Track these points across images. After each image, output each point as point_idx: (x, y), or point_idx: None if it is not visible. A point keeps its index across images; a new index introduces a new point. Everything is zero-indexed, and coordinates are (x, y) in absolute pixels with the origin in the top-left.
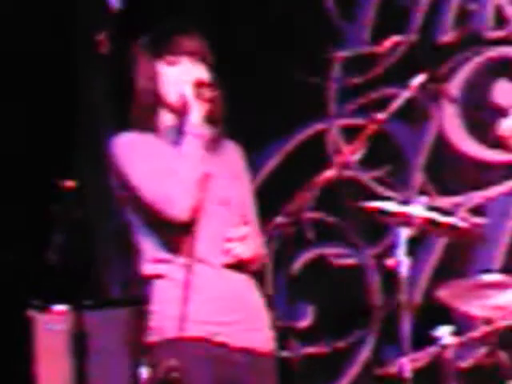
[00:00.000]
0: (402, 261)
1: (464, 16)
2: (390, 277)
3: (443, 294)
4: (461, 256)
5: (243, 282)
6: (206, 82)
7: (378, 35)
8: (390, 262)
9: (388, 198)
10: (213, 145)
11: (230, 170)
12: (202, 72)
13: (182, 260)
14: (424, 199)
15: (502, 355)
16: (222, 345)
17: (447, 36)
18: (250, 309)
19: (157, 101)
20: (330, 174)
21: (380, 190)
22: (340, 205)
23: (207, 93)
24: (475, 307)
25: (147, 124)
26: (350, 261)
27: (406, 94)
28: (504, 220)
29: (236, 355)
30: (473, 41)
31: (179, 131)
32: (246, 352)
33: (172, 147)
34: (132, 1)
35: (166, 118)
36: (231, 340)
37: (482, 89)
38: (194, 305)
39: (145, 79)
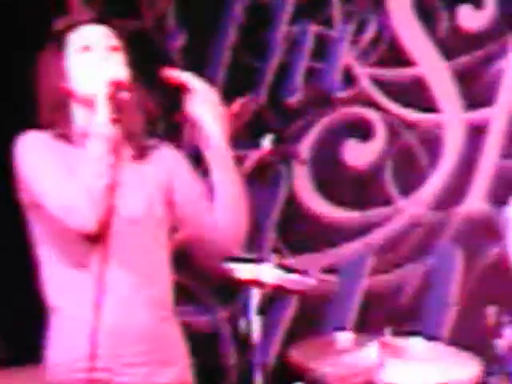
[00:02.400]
0: (253, 321)
1: (312, 76)
2: (244, 337)
3: (296, 353)
4: (315, 313)
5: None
6: (124, 83)
7: (228, 96)
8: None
9: (240, 259)
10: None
11: (152, 180)
12: (115, 64)
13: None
14: (275, 258)
15: None
16: None
17: (296, 96)
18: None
19: (67, 97)
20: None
21: None
22: (193, 266)
23: (122, 95)
24: (328, 366)
25: (58, 125)
26: (203, 321)
27: (256, 155)
28: (357, 278)
29: None
30: (322, 101)
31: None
32: None
33: (81, 150)
34: None
35: (80, 116)
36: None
37: (332, 148)
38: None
39: (51, 75)
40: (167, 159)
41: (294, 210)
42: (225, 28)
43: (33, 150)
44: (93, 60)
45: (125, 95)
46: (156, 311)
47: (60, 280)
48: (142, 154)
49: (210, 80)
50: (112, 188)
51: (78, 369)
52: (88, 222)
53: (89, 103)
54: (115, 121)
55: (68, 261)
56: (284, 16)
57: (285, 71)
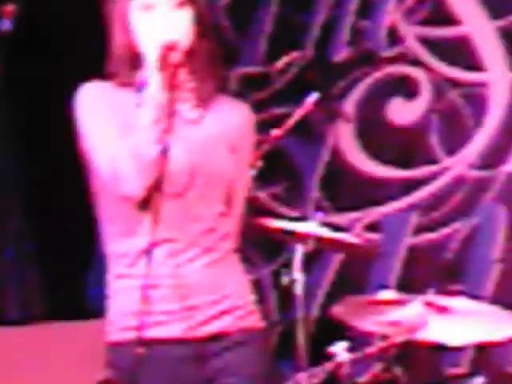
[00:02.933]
0: (297, 278)
1: (358, 34)
2: (287, 293)
3: (339, 310)
4: (357, 272)
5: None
6: (176, 45)
7: (274, 52)
8: (284, 280)
9: (283, 216)
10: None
11: (211, 141)
12: (180, 20)
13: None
14: (320, 215)
15: (398, 371)
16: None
17: (342, 54)
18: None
19: (134, 54)
20: None
21: (276, 206)
22: None
23: (175, 57)
24: (371, 323)
25: (124, 75)
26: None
27: (301, 112)
28: (400, 236)
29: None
30: (367, 59)
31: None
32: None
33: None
34: None
35: (147, 74)
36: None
37: (377, 106)
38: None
39: (120, 28)
40: (235, 120)
41: (338, 168)
42: None
43: (90, 104)
44: (154, 21)
45: (177, 57)
46: (210, 265)
47: (114, 238)
48: (206, 108)
49: (256, 36)
50: (163, 155)
51: (129, 327)
52: (135, 188)
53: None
54: (168, 85)
55: (118, 224)
56: None
57: (331, 29)
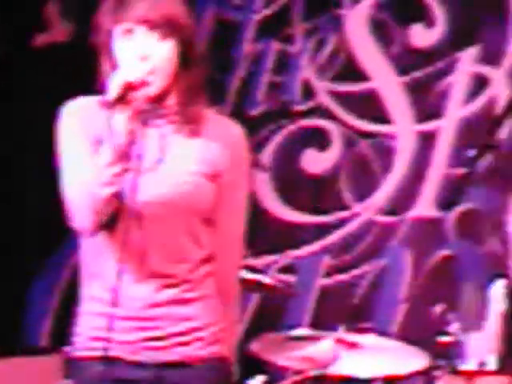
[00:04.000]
0: None
1: (274, 89)
2: None
3: (256, 346)
4: (274, 311)
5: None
6: (136, 84)
7: None
8: None
9: None
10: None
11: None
12: (158, 47)
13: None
14: None
15: None
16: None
17: (259, 108)
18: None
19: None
20: None
21: None
22: None
23: (136, 95)
24: (286, 359)
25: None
26: None
27: None
28: (312, 277)
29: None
30: (283, 112)
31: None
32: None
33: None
34: None
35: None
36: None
37: (292, 156)
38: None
39: (104, 54)
40: (225, 138)
41: (255, 214)
42: None
43: (67, 125)
44: (135, 41)
45: (138, 95)
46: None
47: (89, 260)
48: (192, 126)
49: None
50: (117, 196)
51: (95, 345)
52: (84, 223)
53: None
54: (127, 128)
55: (91, 246)
56: (248, 33)
57: (248, 85)
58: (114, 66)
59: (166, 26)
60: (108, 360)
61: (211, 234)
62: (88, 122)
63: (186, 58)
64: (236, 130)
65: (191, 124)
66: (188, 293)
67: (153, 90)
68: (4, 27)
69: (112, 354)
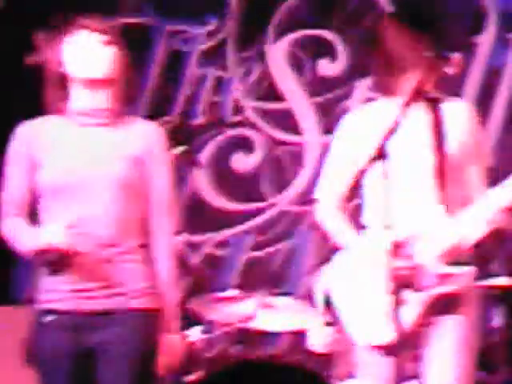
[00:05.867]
0: None
1: (211, 105)
2: None
3: (195, 304)
4: (209, 277)
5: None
6: (54, 250)
7: (151, 115)
8: None
9: None
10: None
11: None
12: (97, 46)
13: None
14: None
15: (236, 348)
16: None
17: (199, 119)
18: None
19: (66, 78)
20: None
21: None
22: None
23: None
24: (217, 314)
25: (60, 105)
26: None
27: None
28: (240, 252)
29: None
30: (218, 124)
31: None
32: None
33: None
34: None
35: (80, 96)
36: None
37: (224, 158)
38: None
39: (53, 56)
40: (145, 135)
41: (196, 202)
42: (150, 67)
43: (10, 154)
44: (82, 48)
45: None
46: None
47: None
48: (116, 121)
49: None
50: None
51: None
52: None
53: (84, 84)
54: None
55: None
56: (193, 61)
57: (193, 101)
58: (63, 73)
59: (111, 33)
60: (47, 312)
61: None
62: (28, 144)
63: (121, 65)
64: (152, 128)
65: (116, 120)
66: (120, 256)
67: (98, 74)
68: None
69: (49, 306)
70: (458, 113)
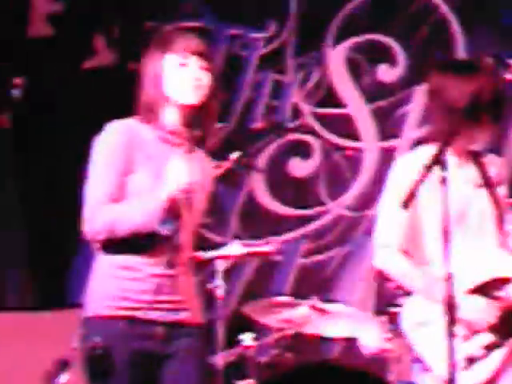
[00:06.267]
0: (219, 285)
1: (270, 110)
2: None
3: (248, 309)
4: (263, 282)
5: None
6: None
7: None
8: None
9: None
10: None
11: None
12: (201, 73)
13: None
14: (238, 241)
15: (289, 355)
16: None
17: (258, 124)
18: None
19: (162, 97)
20: None
21: (205, 232)
22: None
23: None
24: (270, 320)
25: (151, 119)
26: None
27: (226, 165)
28: (294, 257)
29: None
30: (276, 128)
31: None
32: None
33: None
34: None
35: (169, 116)
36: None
37: (281, 163)
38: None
39: (152, 75)
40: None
41: (252, 207)
42: None
43: (102, 148)
44: (187, 76)
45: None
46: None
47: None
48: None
49: None
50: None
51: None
52: (94, 239)
53: (178, 107)
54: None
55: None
56: (252, 66)
57: (251, 105)
58: (160, 92)
59: (210, 58)
60: (125, 319)
61: None
62: (128, 140)
63: (214, 91)
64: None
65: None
66: (181, 274)
67: (196, 100)
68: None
69: (128, 314)
70: (494, 168)
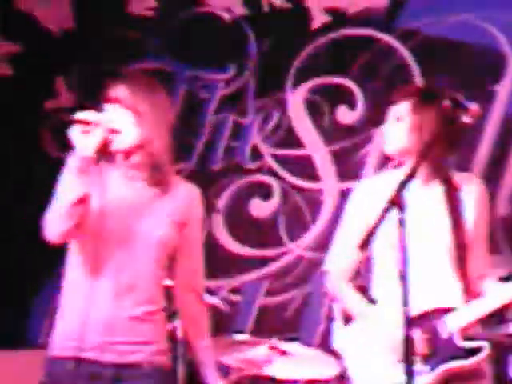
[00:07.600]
0: (178, 326)
1: (230, 151)
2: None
3: None
4: (223, 320)
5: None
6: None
7: None
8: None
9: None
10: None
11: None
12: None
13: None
14: None
15: None
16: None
17: (218, 165)
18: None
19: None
20: None
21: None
22: None
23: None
24: (230, 360)
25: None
26: None
27: None
28: (254, 298)
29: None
30: (236, 169)
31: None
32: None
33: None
34: None
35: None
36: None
37: (241, 203)
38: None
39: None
40: (187, 201)
41: (211, 247)
42: None
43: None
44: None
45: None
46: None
47: (71, 281)
48: (161, 184)
49: None
50: (80, 202)
51: (69, 347)
52: (51, 233)
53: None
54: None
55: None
56: (211, 107)
57: (210, 147)
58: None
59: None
60: (77, 360)
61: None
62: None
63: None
64: (195, 191)
65: (160, 185)
66: (147, 315)
67: (118, 146)
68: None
69: (80, 355)
70: (471, 191)
